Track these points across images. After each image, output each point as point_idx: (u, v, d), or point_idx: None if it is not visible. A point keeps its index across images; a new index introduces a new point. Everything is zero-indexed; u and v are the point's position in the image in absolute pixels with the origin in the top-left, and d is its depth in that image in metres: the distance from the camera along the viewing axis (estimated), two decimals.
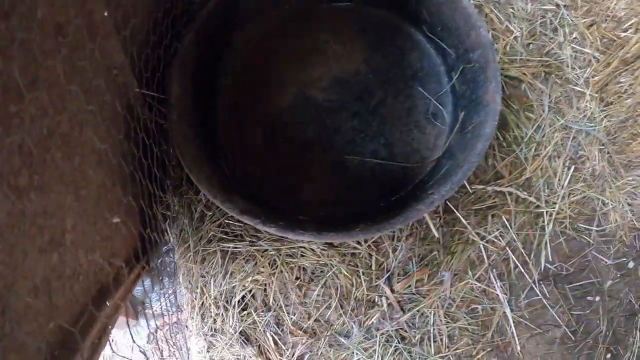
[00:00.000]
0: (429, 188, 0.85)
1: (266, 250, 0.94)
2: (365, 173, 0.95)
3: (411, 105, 0.98)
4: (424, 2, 0.98)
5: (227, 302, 0.97)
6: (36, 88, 0.53)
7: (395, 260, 0.99)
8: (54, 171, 0.58)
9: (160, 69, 0.98)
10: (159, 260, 1.05)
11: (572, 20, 1.16)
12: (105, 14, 0.75)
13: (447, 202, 1.00)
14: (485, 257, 1.01)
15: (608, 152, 1.08)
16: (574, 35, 1.15)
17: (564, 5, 1.17)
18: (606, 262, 1.07)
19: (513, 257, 1.02)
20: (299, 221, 0.81)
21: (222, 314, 0.96)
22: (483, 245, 1.01)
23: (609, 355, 1.07)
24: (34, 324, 0.51)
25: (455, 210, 0.99)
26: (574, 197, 1.06)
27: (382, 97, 0.99)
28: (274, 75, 1.02)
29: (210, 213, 0.95)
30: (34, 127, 0.53)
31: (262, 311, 0.97)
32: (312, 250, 0.95)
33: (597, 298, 1.07)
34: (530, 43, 1.13)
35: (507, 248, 1.02)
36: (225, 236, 0.95)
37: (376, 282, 0.98)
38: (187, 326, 0.98)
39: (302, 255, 0.95)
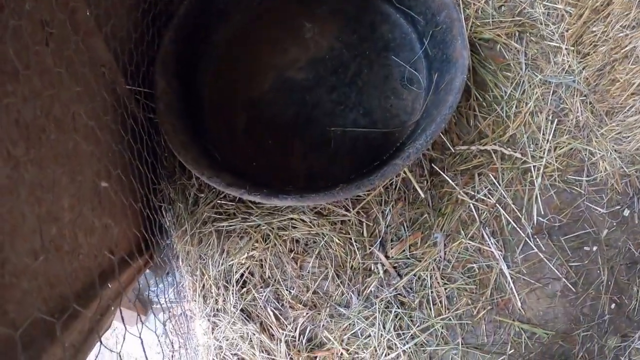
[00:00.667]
0: (408, 145, 0.87)
1: (258, 225, 0.97)
2: (348, 143, 0.97)
3: (387, 74, 1.01)
4: None
5: (226, 281, 0.99)
6: (29, 71, 0.58)
7: (386, 225, 1.00)
8: (48, 149, 0.63)
9: (145, 65, 1.03)
10: (162, 255, 1.08)
11: None
12: (87, 13, 0.80)
13: (433, 164, 1.02)
14: (476, 215, 1.02)
15: (590, 102, 1.09)
16: None
17: None
18: (600, 212, 1.07)
19: (504, 213, 1.03)
20: (283, 189, 0.84)
21: (223, 294, 0.98)
22: (473, 204, 1.02)
23: (613, 305, 1.07)
24: (33, 283, 0.55)
25: (441, 172, 1.01)
26: (560, 149, 1.07)
27: (357, 69, 1.02)
28: (253, 62, 1.05)
29: (203, 195, 0.98)
30: (28, 106, 0.58)
31: (261, 287, 0.99)
32: (303, 221, 0.97)
33: (595, 248, 1.06)
34: (501, 5, 1.15)
35: (498, 205, 1.03)
36: (218, 216, 0.98)
37: (370, 249, 0.99)
38: (190, 310, 1.01)
39: (294, 227, 0.97)
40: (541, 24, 1.14)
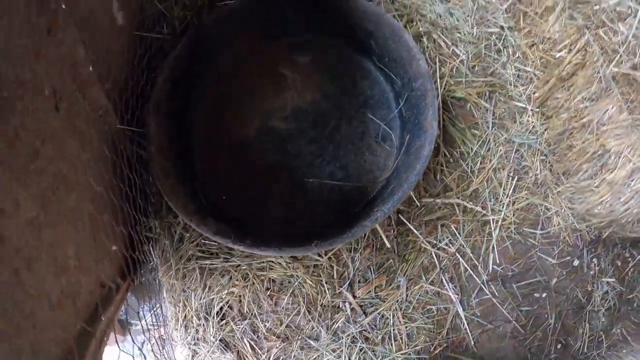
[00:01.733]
0: (376, 205, 0.97)
1: (239, 265, 1.06)
2: (324, 193, 1.06)
3: (364, 130, 1.10)
4: (372, 35, 1.09)
5: (207, 313, 1.09)
6: (45, 145, 0.67)
7: (354, 269, 1.10)
8: (59, 207, 0.71)
9: (138, 106, 1.10)
10: (144, 278, 1.17)
11: (515, 41, 1.26)
12: (90, 69, 0.87)
13: (400, 215, 1.12)
14: (437, 262, 1.12)
15: (549, 162, 1.19)
16: (516, 55, 1.26)
17: (508, 27, 1.28)
18: (551, 262, 1.17)
19: (463, 261, 1.13)
20: (264, 239, 0.93)
21: (203, 324, 1.08)
22: (434, 252, 1.12)
23: (559, 346, 1.18)
24: (49, 332, 0.64)
25: (407, 223, 1.11)
26: (518, 204, 1.17)
27: (337, 124, 1.10)
28: (240, 107, 1.13)
29: (188, 235, 1.07)
30: (45, 176, 0.67)
31: (239, 320, 1.09)
32: (280, 264, 1.06)
33: (544, 294, 1.17)
34: (475, 65, 1.24)
35: (457, 254, 1.13)
36: (202, 254, 1.07)
37: (339, 289, 1.09)
38: (172, 337, 1.11)
39: (271, 269, 1.07)
40: (510, 84, 1.23)
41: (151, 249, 1.10)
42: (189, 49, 1.10)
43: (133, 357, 0.99)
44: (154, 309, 1.21)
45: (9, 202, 0.57)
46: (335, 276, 1.09)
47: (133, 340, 1.26)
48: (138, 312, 1.24)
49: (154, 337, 1.23)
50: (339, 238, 0.90)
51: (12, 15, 0.60)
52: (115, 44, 1.03)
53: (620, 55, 1.00)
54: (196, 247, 1.07)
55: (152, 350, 1.15)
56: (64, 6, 0.75)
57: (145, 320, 1.24)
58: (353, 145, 1.08)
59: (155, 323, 1.22)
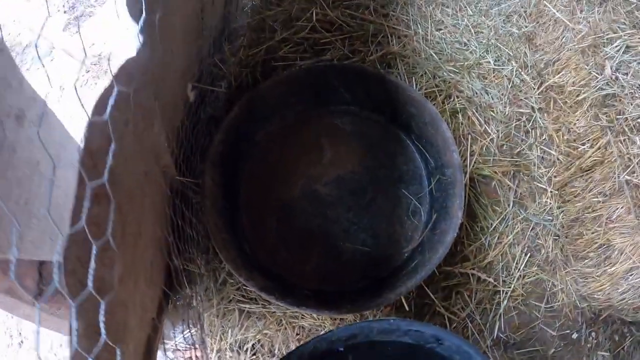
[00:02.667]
0: (401, 277, 1.09)
1: (274, 312, 1.20)
2: (355, 257, 1.19)
3: (396, 203, 1.22)
4: (413, 118, 1.19)
5: (239, 347, 1.24)
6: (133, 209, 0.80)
7: None
8: (137, 254, 0.85)
9: (192, 155, 1.23)
10: (179, 303, 1.32)
11: (543, 124, 1.35)
12: (165, 143, 1.00)
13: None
14: (448, 324, 1.25)
15: (561, 243, 1.30)
16: (543, 137, 1.35)
17: (539, 109, 1.37)
18: (552, 334, 1.30)
19: (471, 326, 1.26)
20: (303, 297, 1.06)
21: (236, 357, 1.23)
22: (447, 315, 1.25)
23: None
24: None
25: (426, 288, 1.23)
26: (528, 278, 1.29)
27: (373, 196, 1.22)
28: (286, 168, 1.26)
29: (232, 280, 1.21)
30: (128, 240, 0.80)
31: (268, 357, 1.24)
32: (310, 314, 1.20)
33: None
34: (503, 144, 1.34)
35: (467, 319, 1.26)
36: (242, 298, 1.21)
37: None
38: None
39: (302, 317, 1.21)
40: (534, 165, 1.33)
41: (193, 284, 1.25)
42: (243, 112, 1.21)
43: None
44: (186, 332, 1.36)
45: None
46: None
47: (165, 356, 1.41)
48: (174, 334, 1.39)
49: (184, 357, 1.39)
50: (366, 306, 1.03)
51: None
52: (182, 113, 1.15)
53: (634, 166, 1.10)
54: (237, 291, 1.22)
55: None
56: (156, 102, 0.88)
57: (176, 342, 1.39)
58: (385, 216, 1.20)
59: (186, 345, 1.37)
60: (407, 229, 1.20)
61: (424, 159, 1.22)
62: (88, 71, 2.24)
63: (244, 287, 1.21)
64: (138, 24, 0.56)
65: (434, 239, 1.10)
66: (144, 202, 0.87)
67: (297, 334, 1.23)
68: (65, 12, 0.84)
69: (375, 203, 1.22)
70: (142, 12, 0.57)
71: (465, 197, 1.08)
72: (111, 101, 0.48)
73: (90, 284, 0.51)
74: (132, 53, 0.54)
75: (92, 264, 0.52)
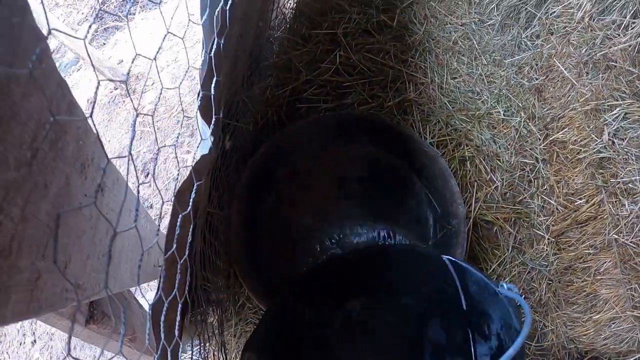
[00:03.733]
0: None
1: None
2: None
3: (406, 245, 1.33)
4: (426, 168, 1.30)
5: None
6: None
7: None
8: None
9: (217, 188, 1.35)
10: (193, 318, 1.44)
11: (545, 174, 1.46)
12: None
13: None
14: None
15: (554, 287, 1.40)
16: (544, 187, 1.45)
17: (542, 159, 1.47)
18: None
19: None
20: None
21: None
22: None
23: None
24: None
25: None
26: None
27: (386, 234, 1.34)
28: (303, 203, 1.37)
29: (250, 305, 1.33)
30: None
31: None
32: None
33: None
34: (507, 192, 1.44)
35: None
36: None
37: None
38: None
39: None
40: (534, 214, 1.43)
41: (215, 308, 1.37)
42: (269, 151, 1.33)
43: None
44: (200, 346, 1.48)
45: None
46: None
47: None
48: (189, 347, 1.51)
49: None
50: None
51: None
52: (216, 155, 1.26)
53: (621, 226, 1.20)
54: (255, 315, 1.34)
55: None
56: None
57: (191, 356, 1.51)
58: None
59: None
60: None
61: (432, 207, 1.33)
62: (116, 88, 2.39)
63: (261, 311, 1.33)
64: (209, 126, 0.66)
65: None
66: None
67: None
68: (91, 23, 0.93)
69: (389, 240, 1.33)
70: (212, 111, 0.68)
71: (467, 246, 1.19)
72: (193, 196, 0.60)
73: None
74: (205, 151, 0.64)
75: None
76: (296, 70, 1.53)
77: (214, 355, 1.37)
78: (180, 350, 1.48)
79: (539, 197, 1.44)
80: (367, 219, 1.36)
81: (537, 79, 1.59)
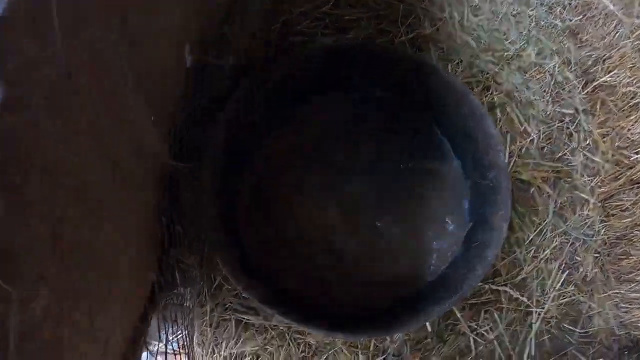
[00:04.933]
0: (428, 299, 0.93)
1: (277, 325, 1.03)
2: (373, 270, 1.03)
3: (428, 212, 1.06)
4: (451, 109, 1.03)
5: None
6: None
7: (390, 340, 1.08)
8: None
9: (189, 138, 1.06)
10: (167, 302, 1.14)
11: (587, 127, 1.21)
12: (152, 125, 0.82)
13: None
14: (473, 348, 1.10)
15: (602, 261, 1.16)
16: (587, 142, 1.21)
17: (583, 110, 1.23)
18: None
19: (499, 350, 1.11)
20: (311, 315, 0.90)
21: None
22: (473, 337, 1.10)
23: None
24: None
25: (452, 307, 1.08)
26: (563, 299, 1.14)
27: (396, 196, 1.06)
28: (298, 161, 1.09)
29: (229, 286, 1.04)
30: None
31: None
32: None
33: None
34: (544, 146, 1.19)
35: (495, 341, 1.11)
36: (240, 307, 1.04)
37: None
38: None
39: (309, 334, 1.04)
40: (577, 173, 1.18)
41: (184, 285, 1.07)
42: (250, 95, 1.04)
43: None
44: (174, 335, 1.19)
45: None
46: (371, 348, 1.06)
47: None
48: (159, 334, 1.21)
49: None
50: (386, 331, 0.88)
51: None
52: (176, 83, 0.97)
53: None
54: (235, 298, 1.04)
55: None
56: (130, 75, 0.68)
57: (165, 343, 1.21)
58: (410, 223, 1.04)
59: (174, 350, 1.20)
60: (436, 239, 1.04)
61: (461, 158, 1.06)
62: None
63: (244, 296, 1.04)
64: None
65: (469, 254, 0.95)
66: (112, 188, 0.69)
67: (302, 352, 1.06)
68: None
69: (398, 206, 1.06)
70: None
71: (511, 206, 0.93)
72: None
73: None
74: None
75: None
76: (289, 1, 1.25)
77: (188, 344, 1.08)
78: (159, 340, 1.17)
79: (581, 153, 1.20)
80: (375, 181, 1.08)
81: (571, 20, 1.34)
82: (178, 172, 0.99)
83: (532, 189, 1.17)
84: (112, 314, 0.69)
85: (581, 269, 1.16)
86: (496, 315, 1.11)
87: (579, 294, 1.15)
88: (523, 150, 1.18)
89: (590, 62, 1.26)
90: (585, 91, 1.24)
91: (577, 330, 1.15)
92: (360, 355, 1.06)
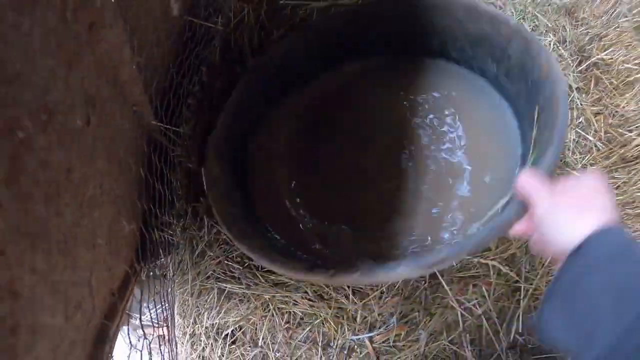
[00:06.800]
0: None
1: (261, 294, 1.00)
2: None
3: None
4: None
5: (217, 333, 1.03)
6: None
7: (378, 314, 1.06)
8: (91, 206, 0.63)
9: (178, 103, 1.01)
10: (151, 273, 1.10)
11: (580, 104, 1.20)
12: (134, 67, 0.77)
13: None
14: (460, 322, 1.09)
15: None
16: (580, 120, 1.20)
17: (576, 88, 1.22)
18: None
19: (487, 325, 1.10)
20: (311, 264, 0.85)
21: (212, 344, 1.03)
22: (460, 312, 1.08)
23: None
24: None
25: (440, 277, 1.06)
26: (552, 276, 1.13)
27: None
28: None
29: (211, 253, 1.00)
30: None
31: (250, 346, 1.03)
32: (304, 299, 1.01)
33: None
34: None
35: (483, 316, 1.10)
36: (223, 275, 1.01)
37: (357, 334, 1.05)
38: (176, 351, 1.05)
39: (294, 304, 1.01)
40: (569, 150, 1.17)
41: (167, 254, 1.03)
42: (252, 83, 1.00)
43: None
44: (157, 307, 1.15)
45: None
46: (357, 319, 1.04)
47: (129, 333, 1.19)
48: (141, 306, 1.17)
49: (153, 335, 1.17)
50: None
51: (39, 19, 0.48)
52: (163, 36, 0.92)
53: None
54: (218, 266, 1.01)
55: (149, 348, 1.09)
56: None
57: (150, 315, 1.17)
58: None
59: (156, 322, 1.15)
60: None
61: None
62: None
63: (226, 261, 1.01)
64: None
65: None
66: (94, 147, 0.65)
67: (287, 322, 1.03)
68: None
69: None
70: None
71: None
72: None
73: None
74: None
75: None
76: None
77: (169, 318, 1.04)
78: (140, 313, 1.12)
79: (573, 131, 1.19)
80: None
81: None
82: (162, 133, 0.94)
83: None
84: (82, 264, 0.64)
85: None
86: (484, 290, 1.10)
87: None
88: None
89: (586, 39, 1.24)
90: (579, 69, 1.23)
91: None
92: (345, 326, 1.03)
